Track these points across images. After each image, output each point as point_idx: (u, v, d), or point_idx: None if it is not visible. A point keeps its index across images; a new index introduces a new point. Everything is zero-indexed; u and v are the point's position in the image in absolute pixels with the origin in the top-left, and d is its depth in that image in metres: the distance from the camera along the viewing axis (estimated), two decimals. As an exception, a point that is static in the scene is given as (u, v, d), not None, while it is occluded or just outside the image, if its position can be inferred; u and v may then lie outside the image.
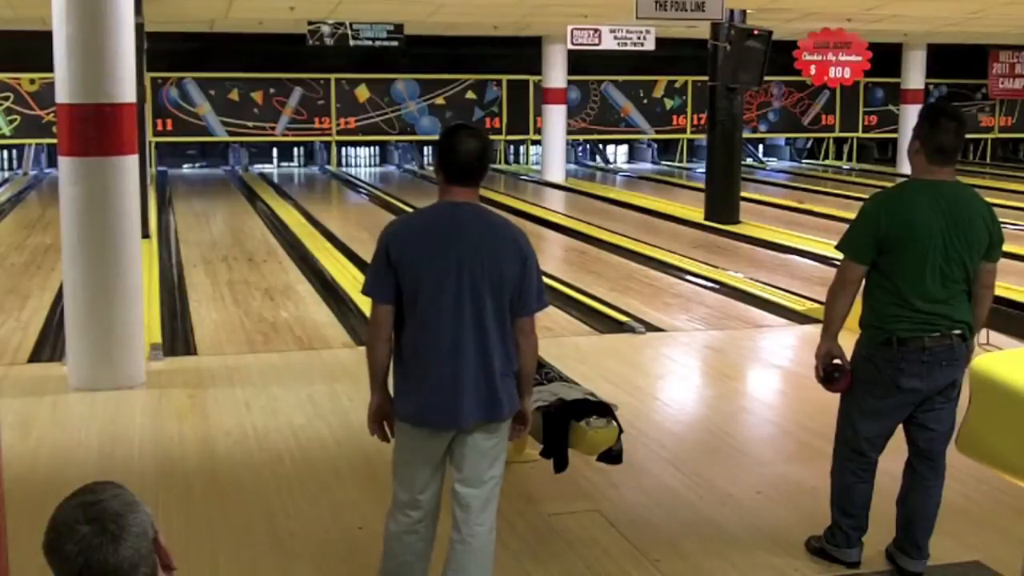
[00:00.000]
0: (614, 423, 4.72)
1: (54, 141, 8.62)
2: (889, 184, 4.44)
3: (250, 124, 21.88)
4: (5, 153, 21.51)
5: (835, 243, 4.26)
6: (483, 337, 3.43)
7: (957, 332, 4.01)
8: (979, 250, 4.02)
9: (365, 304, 8.97)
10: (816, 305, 8.09)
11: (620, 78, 23.42)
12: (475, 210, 3.50)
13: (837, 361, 4.15)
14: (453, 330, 3.41)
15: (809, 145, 25.87)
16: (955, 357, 4.02)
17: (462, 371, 3.42)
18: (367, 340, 3.59)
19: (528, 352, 3.56)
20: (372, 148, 23.61)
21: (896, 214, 3.98)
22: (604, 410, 4.77)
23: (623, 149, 25.44)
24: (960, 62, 23.55)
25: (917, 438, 4.15)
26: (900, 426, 4.17)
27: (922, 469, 4.16)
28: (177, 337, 8.22)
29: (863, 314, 4.12)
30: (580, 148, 24.98)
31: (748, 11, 13.97)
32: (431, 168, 18.69)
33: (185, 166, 22.38)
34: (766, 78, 15.04)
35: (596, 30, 17.27)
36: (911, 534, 4.17)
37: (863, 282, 4.09)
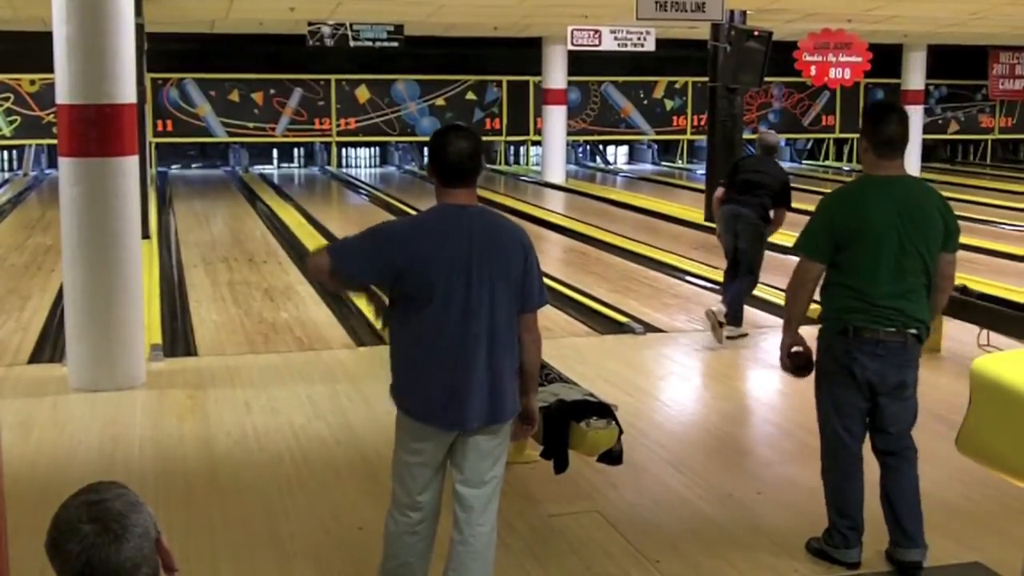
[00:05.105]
0: (614, 424, 4.73)
1: (54, 142, 8.63)
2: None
3: (250, 125, 21.89)
4: (5, 154, 21.52)
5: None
6: (494, 337, 3.44)
7: (913, 331, 4.08)
8: (936, 240, 4.09)
9: (365, 304, 9.00)
10: (814, 305, 8.08)
11: (620, 79, 23.43)
12: (481, 212, 3.52)
13: (797, 348, 4.26)
14: (464, 331, 3.41)
15: (809, 146, 25.89)
16: (908, 358, 4.09)
17: (472, 372, 3.42)
18: (313, 268, 3.67)
19: (531, 348, 3.58)
20: (372, 149, 23.62)
21: (849, 211, 4.10)
22: (604, 411, 4.78)
23: (623, 150, 25.44)
24: (960, 63, 23.54)
25: (875, 440, 4.22)
26: None
27: (889, 461, 4.21)
28: (177, 337, 8.22)
29: (822, 309, 4.21)
30: (580, 149, 24.98)
31: (748, 12, 13.97)
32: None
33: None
34: (766, 79, 15.04)
35: (596, 31, 17.27)
36: (899, 525, 4.19)
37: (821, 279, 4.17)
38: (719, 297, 8.60)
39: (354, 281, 3.59)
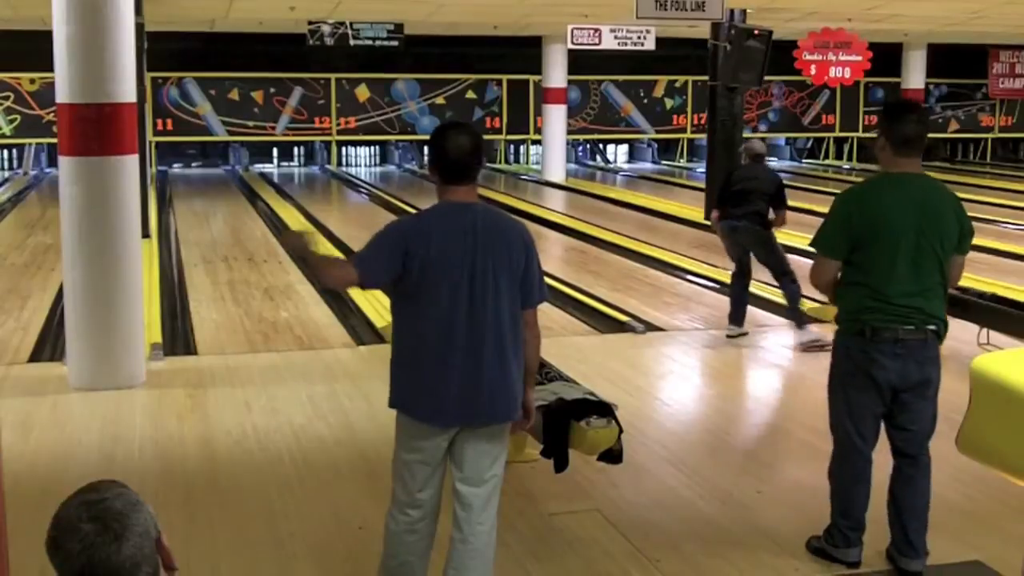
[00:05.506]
0: (614, 423, 4.72)
1: (54, 141, 8.63)
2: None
3: (250, 124, 21.89)
4: (5, 153, 21.53)
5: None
6: (500, 334, 3.45)
7: (932, 327, 4.05)
8: (951, 240, 4.07)
9: (364, 304, 9.02)
10: (816, 305, 8.09)
11: (620, 78, 23.43)
12: (485, 209, 3.53)
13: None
14: (471, 328, 3.42)
15: (809, 145, 25.89)
16: (928, 354, 4.07)
17: (479, 370, 3.43)
18: (337, 280, 3.75)
19: (532, 344, 3.59)
20: (372, 148, 23.63)
21: (867, 210, 4.05)
22: (604, 410, 4.77)
23: (623, 149, 25.45)
24: (960, 62, 23.55)
25: (895, 438, 4.19)
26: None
27: (904, 466, 4.18)
28: (177, 337, 8.22)
29: (839, 308, 4.19)
30: (580, 148, 24.98)
31: (748, 11, 13.97)
32: (431, 168, 18.68)
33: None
34: (766, 78, 15.03)
35: (596, 30, 17.27)
36: (904, 533, 4.17)
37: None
38: (717, 296, 8.61)
39: (378, 285, 3.64)
